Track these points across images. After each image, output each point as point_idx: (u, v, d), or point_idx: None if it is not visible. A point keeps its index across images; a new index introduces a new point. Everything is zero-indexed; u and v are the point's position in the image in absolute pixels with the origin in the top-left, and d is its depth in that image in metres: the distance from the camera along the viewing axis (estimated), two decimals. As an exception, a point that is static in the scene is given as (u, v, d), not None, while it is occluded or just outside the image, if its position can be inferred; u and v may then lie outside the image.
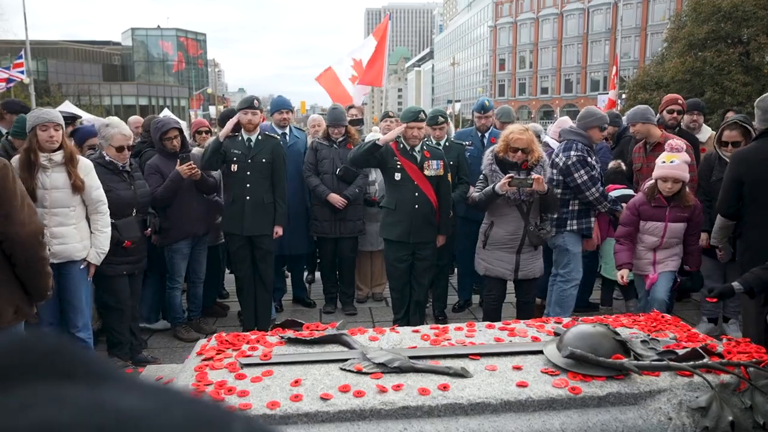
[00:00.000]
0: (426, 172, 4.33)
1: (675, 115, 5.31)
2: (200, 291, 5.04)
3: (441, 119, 4.98)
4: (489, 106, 5.44)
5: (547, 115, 59.63)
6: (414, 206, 4.32)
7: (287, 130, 5.43)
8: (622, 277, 4.06)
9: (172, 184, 4.44)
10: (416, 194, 4.33)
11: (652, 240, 4.05)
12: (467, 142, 5.28)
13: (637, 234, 4.12)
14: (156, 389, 0.35)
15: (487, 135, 5.36)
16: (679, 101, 5.40)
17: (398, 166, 4.31)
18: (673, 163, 3.90)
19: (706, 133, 5.52)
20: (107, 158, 4.00)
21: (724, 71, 24.84)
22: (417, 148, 4.35)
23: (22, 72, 16.30)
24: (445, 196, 4.49)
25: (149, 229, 4.31)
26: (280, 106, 5.44)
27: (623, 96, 27.34)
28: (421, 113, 4.35)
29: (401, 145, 4.36)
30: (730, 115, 5.86)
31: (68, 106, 21.24)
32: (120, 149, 3.99)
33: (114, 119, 4.25)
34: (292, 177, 5.16)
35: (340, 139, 5.24)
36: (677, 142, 4.06)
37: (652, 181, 4.05)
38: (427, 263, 4.48)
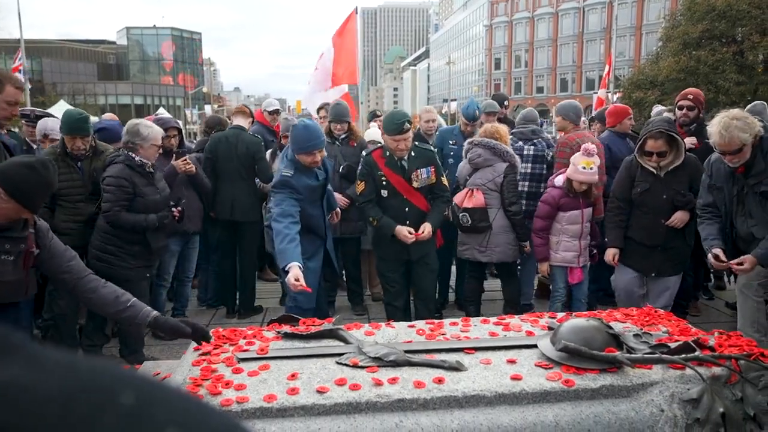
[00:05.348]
0: (414, 184, 3.87)
1: (685, 111, 4.64)
2: (187, 290, 5.07)
3: (407, 126, 3.80)
4: (479, 117, 5.18)
5: (543, 114, 59.62)
6: (405, 223, 3.86)
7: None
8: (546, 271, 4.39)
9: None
10: (406, 209, 3.89)
11: (575, 228, 4.25)
12: (451, 141, 5.10)
13: (555, 226, 4.33)
14: (48, 362, 0.33)
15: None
16: (690, 96, 4.70)
17: (384, 182, 3.87)
18: (592, 169, 4.14)
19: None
20: (137, 159, 3.72)
21: (719, 70, 24.94)
22: (405, 157, 3.88)
23: (20, 72, 16.32)
24: (439, 201, 4.07)
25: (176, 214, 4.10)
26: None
27: (616, 96, 27.41)
28: (406, 123, 3.77)
29: (386, 153, 3.87)
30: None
31: (63, 105, 21.18)
32: (158, 146, 3.88)
33: (142, 121, 3.96)
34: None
35: (343, 135, 5.03)
36: (591, 146, 4.14)
37: (563, 176, 4.28)
38: (429, 267, 4.12)
